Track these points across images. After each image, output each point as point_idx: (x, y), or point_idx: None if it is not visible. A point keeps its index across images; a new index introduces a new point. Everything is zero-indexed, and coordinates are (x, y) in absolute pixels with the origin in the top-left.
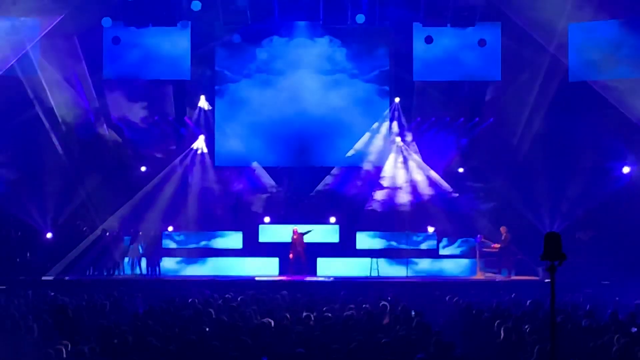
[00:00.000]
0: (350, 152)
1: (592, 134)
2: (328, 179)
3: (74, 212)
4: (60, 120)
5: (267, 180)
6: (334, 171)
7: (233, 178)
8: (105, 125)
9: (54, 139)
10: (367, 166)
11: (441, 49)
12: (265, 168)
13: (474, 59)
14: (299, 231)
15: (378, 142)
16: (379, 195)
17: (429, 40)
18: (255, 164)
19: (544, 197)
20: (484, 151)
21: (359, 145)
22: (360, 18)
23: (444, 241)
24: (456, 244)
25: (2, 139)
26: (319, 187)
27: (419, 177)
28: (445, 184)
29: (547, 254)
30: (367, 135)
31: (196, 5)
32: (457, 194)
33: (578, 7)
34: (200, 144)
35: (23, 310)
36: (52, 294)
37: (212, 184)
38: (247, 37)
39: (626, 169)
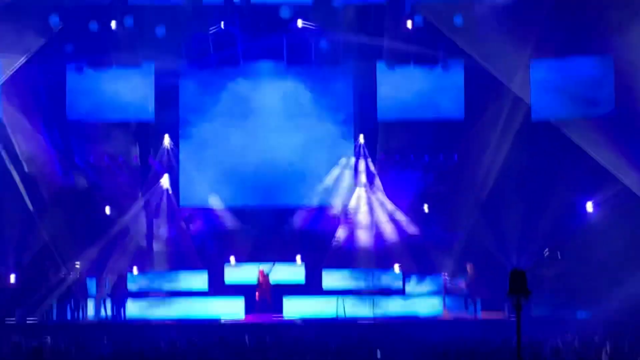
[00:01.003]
0: (316, 192)
1: (556, 171)
2: (294, 219)
3: (38, 254)
4: (23, 162)
5: (233, 220)
6: (300, 211)
7: (198, 218)
8: (69, 168)
9: (17, 181)
10: (332, 205)
11: (405, 88)
12: (230, 208)
13: (438, 97)
14: (265, 272)
15: (343, 181)
16: (345, 233)
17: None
18: (219, 204)
19: (509, 233)
20: (449, 189)
21: (324, 184)
22: (324, 58)
23: (411, 279)
24: (422, 282)
25: None
26: (285, 226)
27: (384, 215)
28: (410, 222)
29: (512, 290)
30: (332, 174)
31: (160, 31)
32: (421, 232)
33: (540, 45)
34: (164, 184)
35: None
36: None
37: (177, 224)
38: (211, 79)
39: (589, 207)
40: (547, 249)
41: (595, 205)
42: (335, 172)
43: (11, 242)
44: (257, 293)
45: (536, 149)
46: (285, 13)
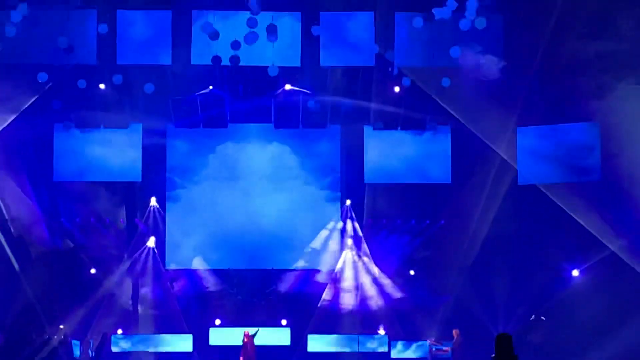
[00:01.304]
0: (302, 255)
1: (542, 236)
2: (280, 282)
3: (22, 315)
4: (9, 222)
5: (219, 282)
6: (286, 274)
7: (183, 280)
8: (55, 228)
9: (2, 241)
10: (318, 268)
11: (392, 151)
12: (216, 270)
13: (425, 161)
14: (250, 333)
15: (329, 244)
16: (331, 297)
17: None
18: (205, 266)
19: (496, 298)
20: (435, 253)
21: (310, 247)
22: (312, 121)
23: (396, 344)
24: (408, 347)
25: None
26: (271, 289)
27: (371, 279)
28: (396, 286)
29: (499, 356)
30: (318, 237)
31: (149, 92)
32: (407, 297)
33: (526, 112)
34: (151, 245)
35: None
36: None
37: (162, 286)
38: (198, 140)
39: (575, 272)
40: (533, 314)
41: (581, 270)
42: (322, 235)
43: None
44: (241, 356)
45: (523, 214)
46: (273, 73)
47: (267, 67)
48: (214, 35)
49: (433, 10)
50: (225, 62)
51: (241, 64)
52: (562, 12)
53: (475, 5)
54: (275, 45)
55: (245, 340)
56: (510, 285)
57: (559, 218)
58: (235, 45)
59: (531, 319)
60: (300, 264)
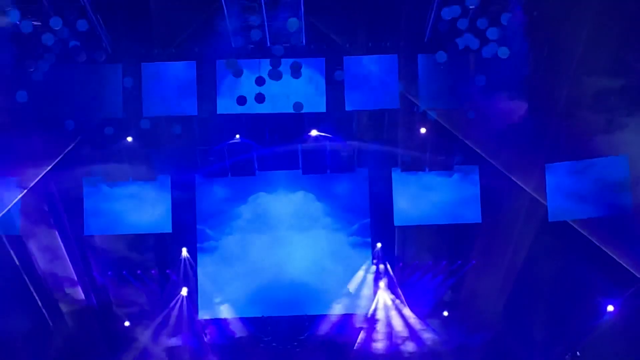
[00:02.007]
0: (335, 300)
1: (576, 272)
2: (313, 328)
3: None
4: (41, 278)
5: (252, 331)
6: (319, 319)
7: (217, 330)
8: (87, 283)
9: (32, 291)
10: (352, 313)
11: (421, 193)
12: (249, 319)
13: (454, 202)
14: None
15: (362, 289)
16: (365, 342)
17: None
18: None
19: (531, 336)
20: (469, 293)
21: (342, 293)
22: (339, 166)
23: None
24: None
25: None
26: (304, 335)
27: (405, 322)
28: (430, 329)
29: None
30: (350, 282)
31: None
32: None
33: (554, 149)
34: (183, 296)
35: None
36: None
37: (196, 336)
38: (227, 190)
39: (610, 308)
40: (569, 352)
41: (616, 305)
42: (354, 280)
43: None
44: None
45: (555, 251)
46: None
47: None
48: (238, 73)
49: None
50: (251, 101)
51: (266, 111)
52: (585, 48)
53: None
54: (300, 91)
55: None
56: (545, 323)
57: (591, 253)
58: (260, 81)
59: (567, 357)
60: (333, 309)
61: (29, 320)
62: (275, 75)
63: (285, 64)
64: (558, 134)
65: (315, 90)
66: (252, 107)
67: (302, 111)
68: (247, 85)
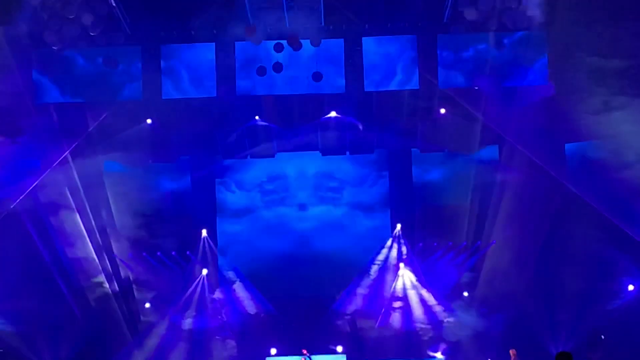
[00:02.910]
0: (355, 280)
1: (597, 252)
2: (334, 308)
3: (78, 350)
4: (61, 254)
5: (272, 311)
6: (340, 300)
7: (238, 309)
8: (109, 266)
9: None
10: (372, 293)
11: (440, 173)
12: (270, 299)
13: (474, 182)
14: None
15: (381, 270)
16: (386, 322)
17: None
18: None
19: (552, 318)
20: (489, 274)
21: (362, 273)
22: (359, 147)
23: None
24: None
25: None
26: (326, 316)
27: (425, 302)
28: (451, 308)
29: None
30: (370, 263)
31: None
32: (463, 318)
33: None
34: (203, 277)
35: None
36: None
37: (217, 316)
38: (246, 172)
39: (630, 287)
40: (592, 332)
41: (637, 285)
42: (375, 261)
43: (51, 338)
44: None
45: (576, 230)
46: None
47: (312, 94)
48: (257, 40)
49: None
50: (270, 71)
51: (286, 92)
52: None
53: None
54: (320, 72)
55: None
56: (567, 303)
57: (613, 233)
58: (278, 47)
59: (590, 337)
60: (355, 290)
61: (51, 302)
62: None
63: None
64: (577, 113)
65: (334, 71)
66: (271, 88)
67: (321, 83)
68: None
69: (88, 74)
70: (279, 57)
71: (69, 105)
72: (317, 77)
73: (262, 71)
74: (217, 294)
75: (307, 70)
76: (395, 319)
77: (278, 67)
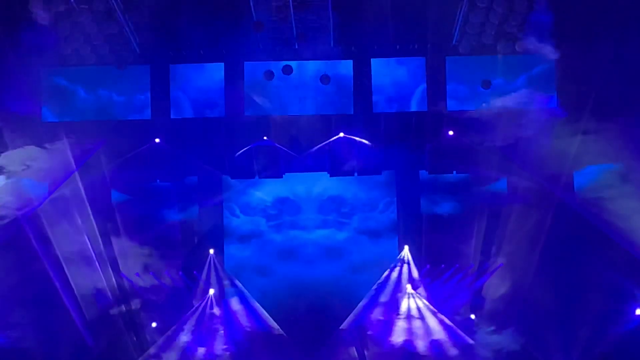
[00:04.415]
0: (361, 302)
1: (605, 277)
2: (341, 330)
3: None
4: (68, 275)
5: (279, 330)
6: (347, 321)
7: (244, 332)
8: (114, 281)
9: (62, 296)
10: (379, 315)
11: (448, 196)
12: (276, 319)
13: (483, 205)
14: None
15: (389, 291)
16: (392, 343)
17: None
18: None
19: (558, 342)
20: (496, 297)
21: (370, 295)
22: (367, 168)
23: None
24: None
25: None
26: (331, 337)
27: (433, 324)
28: (458, 331)
29: None
30: (378, 284)
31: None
32: (472, 341)
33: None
34: (211, 297)
35: None
36: None
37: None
38: (254, 192)
39: (639, 311)
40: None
41: None
42: (382, 282)
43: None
44: None
45: (584, 255)
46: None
47: (320, 115)
48: (269, 75)
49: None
50: (278, 73)
51: (294, 113)
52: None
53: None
54: (328, 93)
55: None
56: (572, 328)
57: (619, 257)
58: (287, 70)
59: None
60: (360, 310)
61: (56, 323)
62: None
63: (315, 71)
64: (585, 138)
65: (343, 92)
66: (280, 109)
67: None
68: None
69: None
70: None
71: (77, 124)
72: (324, 79)
73: (269, 75)
74: (223, 314)
75: (315, 90)
76: (403, 340)
77: (288, 70)
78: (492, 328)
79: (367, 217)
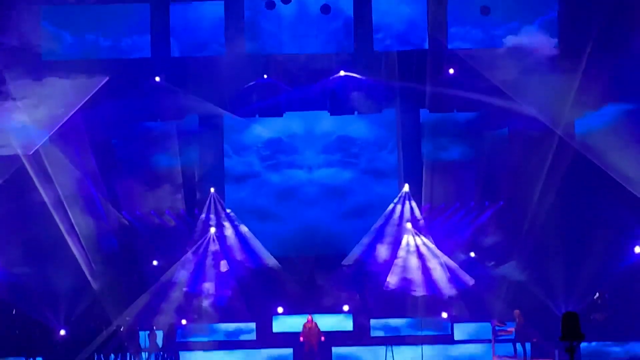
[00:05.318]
0: (362, 240)
1: (603, 214)
2: (341, 268)
3: (87, 308)
4: (70, 214)
5: (280, 270)
6: (346, 260)
7: (245, 269)
8: (116, 220)
9: (65, 234)
10: (379, 253)
11: (449, 134)
12: (277, 258)
13: (482, 142)
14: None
15: (389, 229)
16: (392, 281)
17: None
18: (266, 255)
19: (558, 278)
20: (496, 234)
21: (370, 233)
22: (367, 106)
23: (459, 326)
24: (471, 329)
25: (11, 233)
26: (332, 275)
27: (432, 262)
28: (457, 269)
29: (565, 334)
30: (378, 223)
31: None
32: (471, 280)
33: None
34: (211, 235)
35: None
36: None
37: (224, 275)
38: (255, 130)
39: (638, 249)
40: (596, 293)
41: None
42: (382, 220)
43: (60, 297)
44: (302, 338)
45: (582, 192)
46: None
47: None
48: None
49: None
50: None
51: (294, 52)
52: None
53: None
54: (329, 31)
55: (309, 325)
56: (572, 264)
57: (619, 195)
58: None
59: (595, 297)
60: (361, 249)
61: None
62: None
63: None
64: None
65: (344, 30)
66: (281, 47)
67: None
68: (274, 24)
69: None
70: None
71: (77, 62)
72: (325, 9)
73: (270, 5)
74: (224, 251)
75: (316, 28)
76: (402, 278)
77: None
78: (492, 263)
79: (375, 157)
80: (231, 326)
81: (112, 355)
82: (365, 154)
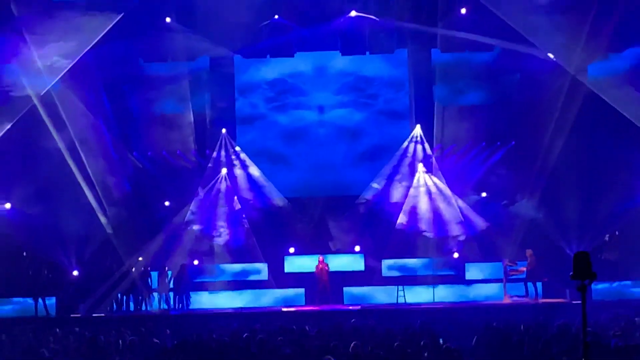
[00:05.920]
0: (374, 180)
1: (614, 154)
2: (352, 208)
3: (100, 249)
4: (81, 155)
5: (292, 211)
6: (358, 200)
7: (257, 210)
8: (127, 161)
9: (77, 175)
10: (391, 193)
11: (461, 74)
12: (289, 199)
13: (494, 81)
14: (324, 260)
15: (401, 169)
16: (404, 222)
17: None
18: (277, 195)
19: (569, 218)
20: (507, 175)
21: (382, 173)
22: (379, 47)
23: (471, 266)
24: (483, 269)
25: (23, 173)
26: (344, 216)
27: (443, 203)
28: (469, 209)
29: (577, 273)
30: (390, 163)
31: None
32: (482, 222)
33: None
34: (223, 177)
35: (52, 348)
36: (78, 330)
37: (236, 216)
38: (266, 70)
39: None
40: (607, 234)
41: None
42: (394, 160)
43: (73, 239)
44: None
45: (594, 133)
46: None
47: None
48: None
49: None
50: None
51: None
52: None
53: None
54: None
55: (320, 266)
56: (583, 204)
57: (632, 136)
58: None
59: (605, 238)
60: (373, 189)
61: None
62: None
63: None
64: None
65: None
66: None
67: None
68: None
69: None
70: None
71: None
72: None
73: None
74: (235, 192)
75: None
76: (414, 218)
77: None
78: (505, 202)
79: (380, 97)
80: (242, 266)
81: (124, 296)
82: (377, 94)
